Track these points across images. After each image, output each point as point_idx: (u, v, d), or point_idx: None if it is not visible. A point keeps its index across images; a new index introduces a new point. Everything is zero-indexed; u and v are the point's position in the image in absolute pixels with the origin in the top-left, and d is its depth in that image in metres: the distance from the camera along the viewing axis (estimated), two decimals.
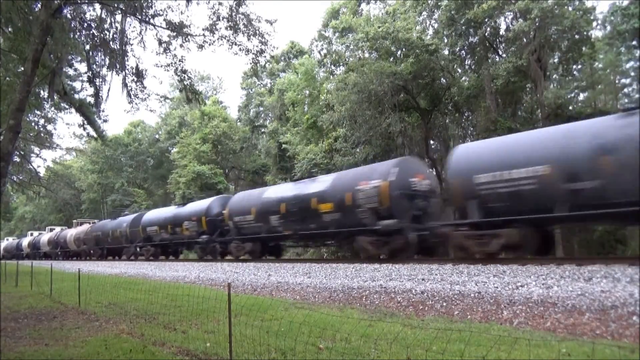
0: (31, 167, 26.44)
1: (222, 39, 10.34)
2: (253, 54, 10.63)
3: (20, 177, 27.00)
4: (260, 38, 10.40)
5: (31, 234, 51.08)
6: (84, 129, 19.13)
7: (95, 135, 20.78)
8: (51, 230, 46.36)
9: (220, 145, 42.67)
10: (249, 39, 10.42)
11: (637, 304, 5.30)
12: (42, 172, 31.50)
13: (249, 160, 45.64)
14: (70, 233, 35.64)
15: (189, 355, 4.75)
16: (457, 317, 6.28)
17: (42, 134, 24.06)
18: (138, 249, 25.03)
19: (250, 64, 11.06)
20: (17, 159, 22.06)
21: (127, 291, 10.08)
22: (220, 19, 10.17)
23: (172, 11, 10.35)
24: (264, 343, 4.78)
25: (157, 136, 59.05)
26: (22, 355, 5.04)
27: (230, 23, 10.18)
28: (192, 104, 14.49)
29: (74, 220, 43.61)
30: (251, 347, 4.77)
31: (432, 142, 26.36)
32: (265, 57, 10.93)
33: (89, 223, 38.08)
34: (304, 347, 4.59)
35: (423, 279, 8.17)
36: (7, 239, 58.58)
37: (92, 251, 31.82)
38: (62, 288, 11.39)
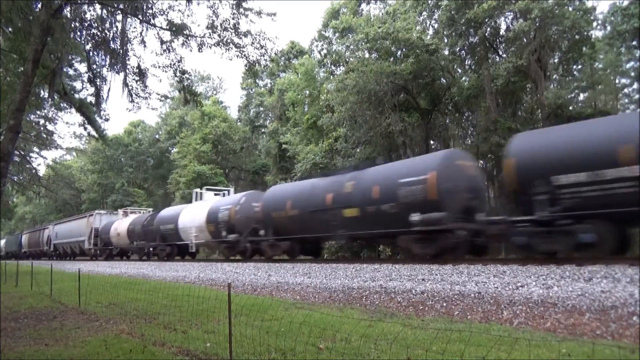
0: (31, 167, 26.45)
1: (221, 44, 10.28)
2: (250, 62, 10.56)
3: (20, 177, 27.00)
4: (259, 40, 10.36)
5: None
6: (85, 128, 19.20)
7: (95, 135, 20.79)
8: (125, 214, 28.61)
9: (220, 145, 42.69)
10: (245, 35, 10.31)
11: (637, 304, 5.29)
12: (42, 172, 31.46)
13: (249, 160, 45.64)
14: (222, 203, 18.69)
15: (189, 356, 4.74)
16: (457, 318, 6.27)
17: (42, 134, 24.06)
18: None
19: (247, 68, 11.05)
20: (17, 159, 22.07)
21: (127, 291, 10.07)
22: (217, 16, 10.14)
23: (173, 11, 10.35)
24: (264, 343, 4.78)
25: (157, 136, 58.99)
26: (22, 355, 5.03)
27: (231, 22, 10.16)
28: (190, 105, 14.44)
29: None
30: (251, 347, 4.76)
31: (432, 142, 26.36)
32: (265, 60, 10.88)
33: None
34: (304, 347, 4.59)
35: (423, 279, 8.17)
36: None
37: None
38: (62, 288, 11.38)
